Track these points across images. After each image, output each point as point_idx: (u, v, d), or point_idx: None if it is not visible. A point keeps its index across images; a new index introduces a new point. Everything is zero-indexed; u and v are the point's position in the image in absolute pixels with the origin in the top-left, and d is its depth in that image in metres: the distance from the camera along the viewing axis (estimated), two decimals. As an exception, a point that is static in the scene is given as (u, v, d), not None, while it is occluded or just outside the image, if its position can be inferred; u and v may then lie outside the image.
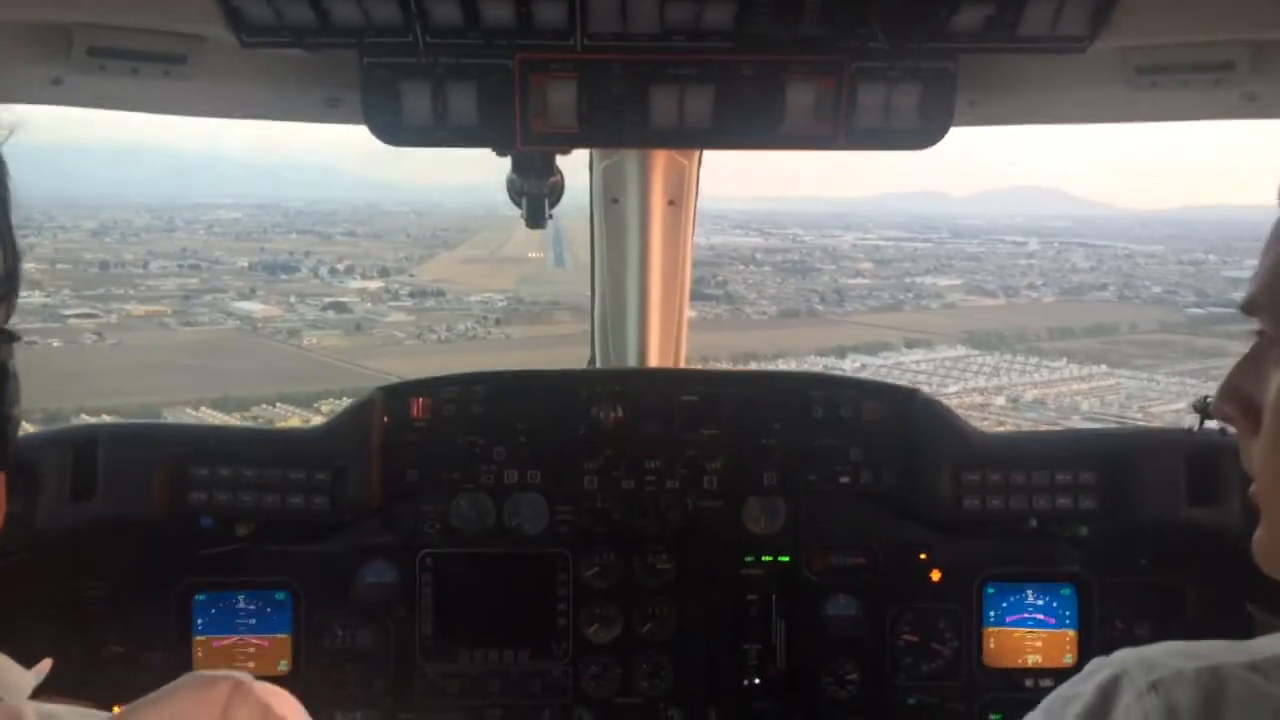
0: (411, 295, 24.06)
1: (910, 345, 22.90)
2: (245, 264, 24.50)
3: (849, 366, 20.35)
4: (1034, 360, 21.82)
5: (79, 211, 21.93)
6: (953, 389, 19.49)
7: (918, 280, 25.62)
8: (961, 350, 22.54)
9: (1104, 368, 21.17)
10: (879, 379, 4.06)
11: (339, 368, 20.16)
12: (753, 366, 17.29)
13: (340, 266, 24.81)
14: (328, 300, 23.28)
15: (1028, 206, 33.49)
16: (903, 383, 4.19)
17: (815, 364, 19.72)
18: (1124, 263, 25.82)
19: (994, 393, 20.01)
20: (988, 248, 26.90)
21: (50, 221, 19.45)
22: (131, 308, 20.54)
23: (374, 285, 24.30)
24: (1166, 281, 24.43)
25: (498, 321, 22.88)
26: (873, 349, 22.27)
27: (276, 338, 21.83)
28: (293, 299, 23.10)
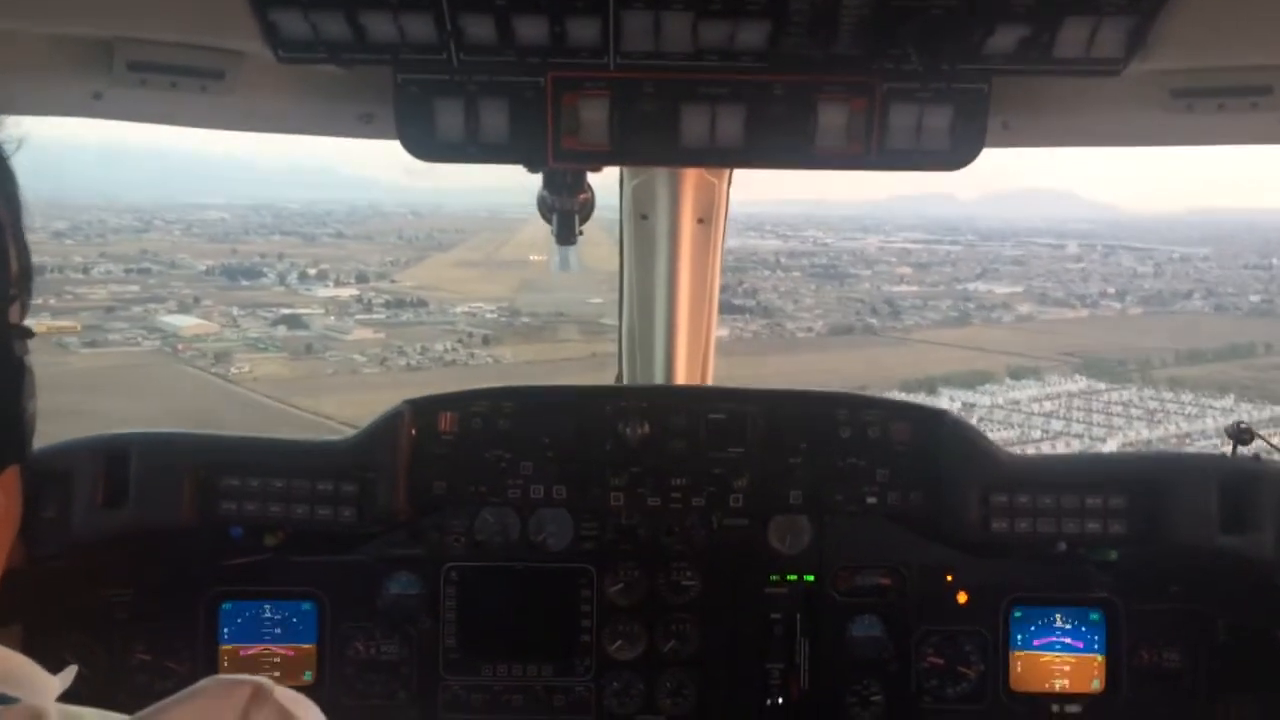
0: (387, 306, 21.16)
1: (1016, 376, 18.42)
2: (204, 268, 21.68)
3: (949, 407, 16.48)
4: (1187, 397, 17.16)
5: (58, 212, 19.58)
6: (1110, 446, 15.06)
7: (969, 287, 23.37)
8: (1082, 381, 18.18)
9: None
10: (908, 401, 4.00)
11: (265, 408, 16.59)
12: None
13: (312, 271, 21.96)
14: (284, 312, 19.97)
15: (1041, 209, 32.24)
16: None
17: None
18: (1182, 266, 23.74)
19: (1171, 452, 15.77)
20: (1026, 250, 25.07)
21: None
22: (35, 323, 17.91)
23: (346, 293, 21.34)
24: (1238, 287, 22.29)
25: (485, 340, 19.74)
26: (969, 381, 18.26)
27: (198, 363, 18.34)
28: (237, 311, 19.88)
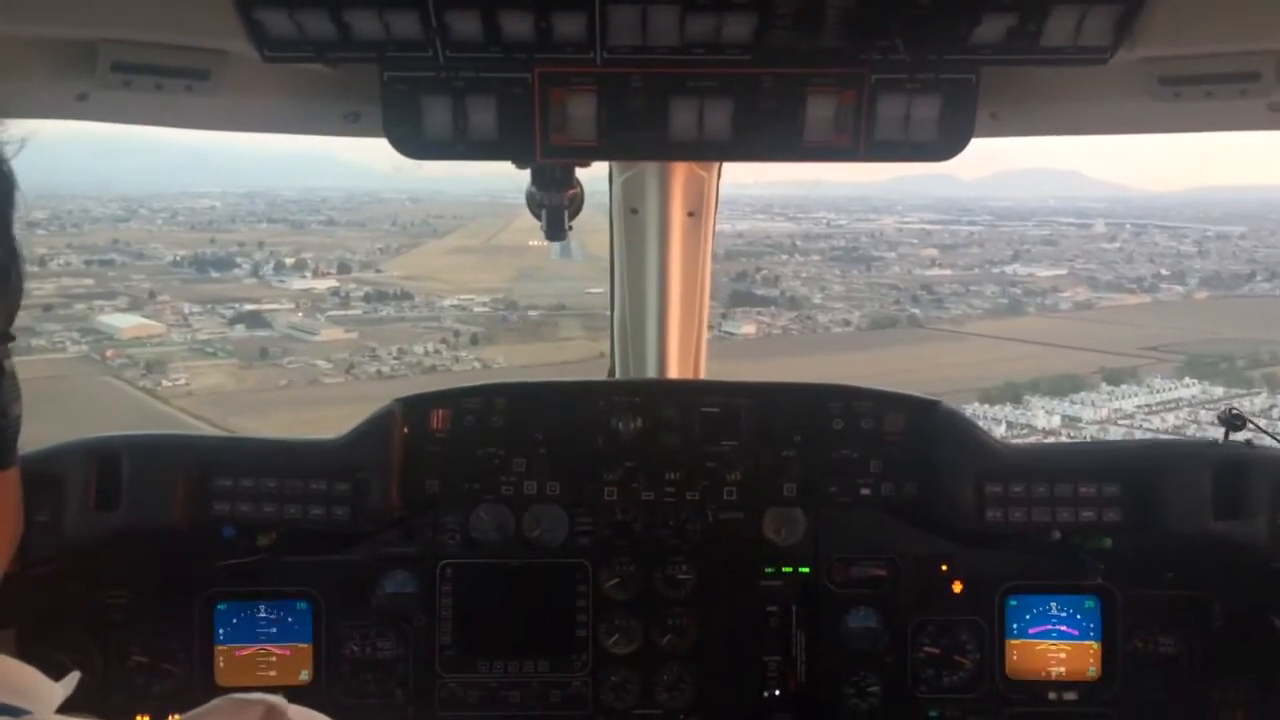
0: (366, 299, 19.02)
1: (1113, 380, 15.32)
2: (172, 259, 19.82)
3: (1044, 423, 13.30)
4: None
5: (44, 202, 17.61)
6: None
7: (1007, 270, 21.57)
8: (1194, 386, 14.87)
9: None
10: (901, 391, 3.98)
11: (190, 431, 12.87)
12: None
13: (289, 261, 19.96)
14: (246, 309, 17.63)
15: (1049, 188, 31.27)
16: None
17: (986, 417, 13.08)
18: (1223, 246, 22.03)
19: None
20: (1052, 230, 23.69)
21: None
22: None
23: (324, 285, 19.32)
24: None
25: (474, 339, 17.72)
26: (1057, 387, 15.28)
27: (126, 373, 15.90)
28: (192, 309, 17.66)
